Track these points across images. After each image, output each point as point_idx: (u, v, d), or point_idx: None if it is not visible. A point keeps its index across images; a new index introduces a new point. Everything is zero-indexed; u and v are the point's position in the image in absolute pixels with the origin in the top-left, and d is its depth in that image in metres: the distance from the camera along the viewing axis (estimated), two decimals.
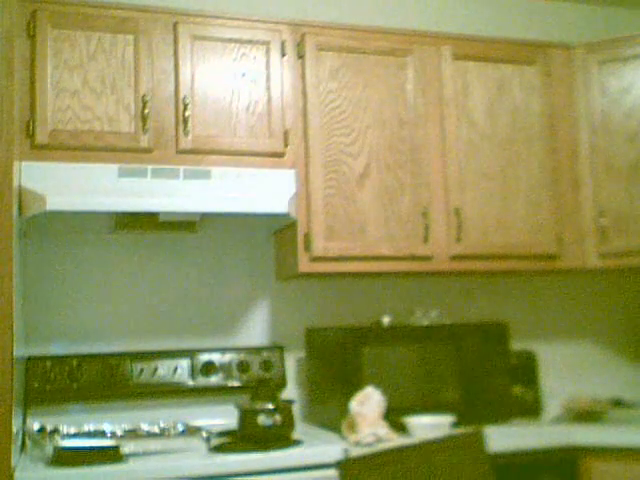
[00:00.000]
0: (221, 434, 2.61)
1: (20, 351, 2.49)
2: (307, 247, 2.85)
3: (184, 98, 2.74)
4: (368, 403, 2.58)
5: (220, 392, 2.94)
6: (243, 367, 2.96)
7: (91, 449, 2.29)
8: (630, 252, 3.16)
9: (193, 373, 2.90)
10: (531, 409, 3.14)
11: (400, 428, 2.66)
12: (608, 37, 3.31)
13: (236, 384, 2.94)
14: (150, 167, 2.63)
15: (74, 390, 2.75)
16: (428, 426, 2.61)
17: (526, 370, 3.22)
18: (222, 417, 2.85)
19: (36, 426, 2.53)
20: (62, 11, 2.65)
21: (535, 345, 3.46)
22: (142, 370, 2.84)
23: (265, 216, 2.81)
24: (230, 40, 2.84)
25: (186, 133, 2.73)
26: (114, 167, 2.59)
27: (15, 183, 2.29)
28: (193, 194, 2.65)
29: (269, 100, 2.85)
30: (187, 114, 2.73)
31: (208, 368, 2.92)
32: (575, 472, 2.72)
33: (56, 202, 2.45)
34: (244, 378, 2.95)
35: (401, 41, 3.08)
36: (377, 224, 2.95)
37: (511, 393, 3.00)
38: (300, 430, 2.75)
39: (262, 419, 2.51)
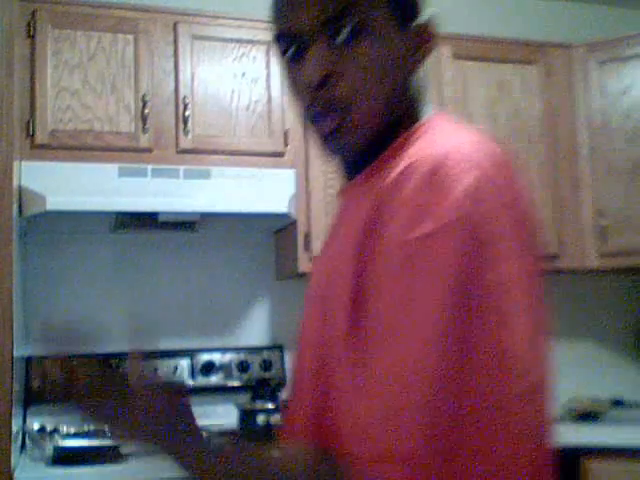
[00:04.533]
0: (221, 434, 2.61)
1: (20, 351, 2.49)
2: (307, 247, 2.85)
3: (184, 98, 2.74)
4: None
5: (220, 392, 2.94)
6: (243, 367, 2.96)
7: (91, 449, 2.29)
8: (630, 252, 3.16)
9: (193, 373, 2.90)
10: None
11: None
12: (608, 37, 3.31)
13: (236, 384, 2.94)
14: (150, 167, 2.63)
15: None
16: None
17: None
18: (222, 417, 2.85)
19: (36, 426, 2.53)
20: (62, 11, 2.65)
21: None
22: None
23: (265, 216, 2.81)
24: (230, 40, 2.84)
25: (186, 133, 2.73)
26: (114, 167, 2.59)
27: (15, 183, 2.30)
28: (193, 194, 2.65)
29: (269, 100, 2.85)
30: (187, 114, 2.73)
31: (208, 368, 2.91)
32: (575, 472, 2.72)
33: (56, 202, 2.45)
34: (244, 378, 2.95)
35: None
36: None
37: None
38: None
39: (262, 419, 2.52)
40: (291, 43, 0.92)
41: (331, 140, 0.93)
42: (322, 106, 0.91)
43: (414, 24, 0.95)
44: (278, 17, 0.94)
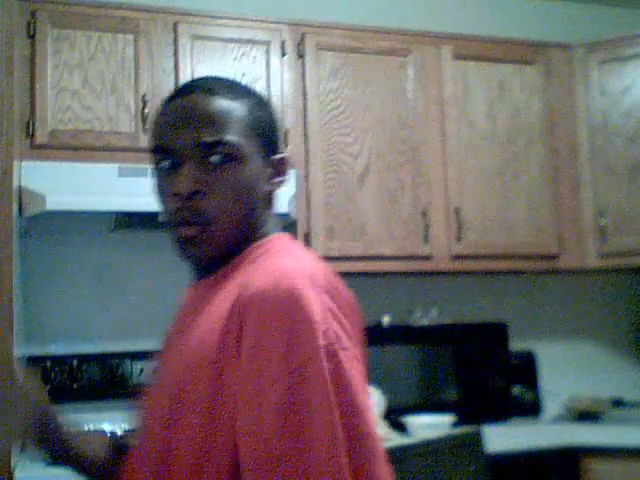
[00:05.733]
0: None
1: (20, 351, 2.49)
2: (307, 247, 2.85)
3: None
4: None
5: None
6: None
7: None
8: (630, 252, 3.16)
9: None
10: (531, 409, 3.14)
11: (400, 428, 2.66)
12: (608, 37, 3.32)
13: None
14: (150, 167, 2.63)
15: (74, 390, 2.75)
16: (428, 426, 2.62)
17: (526, 370, 3.22)
18: None
19: None
20: (62, 11, 2.65)
21: (535, 345, 3.46)
22: (142, 370, 2.84)
23: None
24: (230, 40, 2.84)
25: None
26: (114, 167, 2.59)
27: (15, 183, 2.29)
28: None
29: (269, 100, 2.85)
30: None
31: None
32: (575, 472, 2.73)
33: (56, 202, 2.45)
34: None
35: (401, 41, 3.08)
36: (377, 224, 2.95)
37: (511, 393, 3.01)
38: None
39: None
40: (167, 157, 1.06)
41: (187, 246, 1.07)
42: (186, 216, 1.04)
43: (274, 157, 1.11)
44: (159, 133, 1.08)
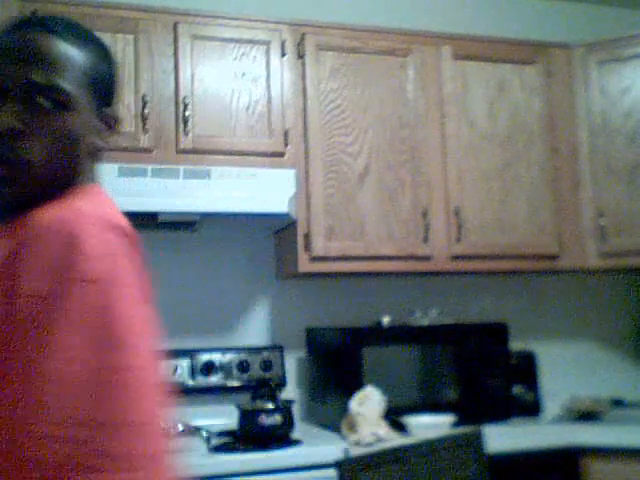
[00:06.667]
0: (221, 434, 2.61)
1: None
2: (307, 247, 2.85)
3: (184, 98, 2.74)
4: (368, 403, 2.59)
5: (220, 392, 2.94)
6: (243, 367, 2.96)
7: None
8: (630, 252, 3.16)
9: (193, 373, 2.90)
10: (531, 409, 3.14)
11: (400, 428, 2.66)
12: (608, 37, 3.32)
13: (236, 384, 2.94)
14: (150, 167, 2.63)
15: None
16: (428, 426, 2.62)
17: (526, 370, 3.22)
18: (222, 417, 2.85)
19: None
20: (62, 11, 2.65)
21: (535, 345, 3.46)
22: None
23: (265, 216, 2.81)
24: (230, 40, 2.84)
25: (186, 133, 2.73)
26: (114, 167, 2.59)
27: None
28: (193, 194, 2.65)
29: (269, 100, 2.85)
30: (187, 114, 2.73)
31: (208, 368, 2.92)
32: (575, 472, 2.73)
33: None
34: (244, 378, 2.95)
35: (401, 41, 3.08)
36: (377, 224, 2.95)
37: (511, 393, 3.00)
38: (300, 430, 2.75)
39: (262, 419, 2.52)
40: None
41: None
42: (1, 153, 0.96)
43: (105, 111, 1.07)
44: None
